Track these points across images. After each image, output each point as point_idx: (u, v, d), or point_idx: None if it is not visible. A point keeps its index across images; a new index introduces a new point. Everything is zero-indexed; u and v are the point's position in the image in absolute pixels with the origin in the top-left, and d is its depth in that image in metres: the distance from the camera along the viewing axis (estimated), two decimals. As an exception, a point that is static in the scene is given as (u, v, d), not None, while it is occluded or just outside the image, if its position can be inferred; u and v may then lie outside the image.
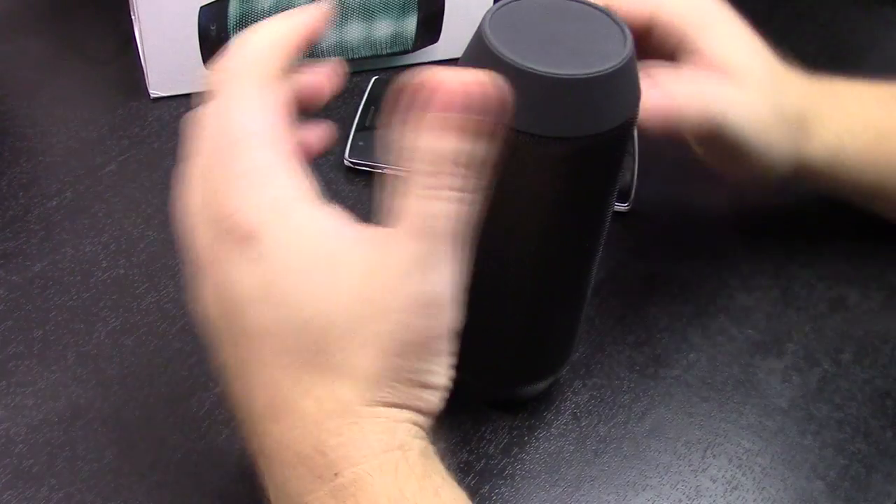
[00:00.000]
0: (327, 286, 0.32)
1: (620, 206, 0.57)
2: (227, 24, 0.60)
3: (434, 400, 0.33)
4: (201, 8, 0.59)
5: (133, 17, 0.61)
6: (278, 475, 0.33)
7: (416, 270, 0.31)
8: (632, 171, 0.58)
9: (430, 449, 0.33)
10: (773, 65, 0.50)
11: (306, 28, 0.36)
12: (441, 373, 0.33)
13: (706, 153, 0.51)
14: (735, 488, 0.45)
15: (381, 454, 0.31)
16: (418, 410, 0.33)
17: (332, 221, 0.32)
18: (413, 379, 0.32)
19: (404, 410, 0.32)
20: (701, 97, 0.46)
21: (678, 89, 0.46)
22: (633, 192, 0.57)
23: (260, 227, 0.32)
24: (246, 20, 0.60)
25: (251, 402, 0.33)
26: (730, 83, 0.47)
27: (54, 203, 0.55)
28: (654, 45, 0.49)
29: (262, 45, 0.35)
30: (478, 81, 0.31)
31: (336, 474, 0.31)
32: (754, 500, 0.45)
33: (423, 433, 0.33)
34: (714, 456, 0.47)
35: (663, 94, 0.45)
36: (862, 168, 0.52)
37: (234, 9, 0.59)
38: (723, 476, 0.46)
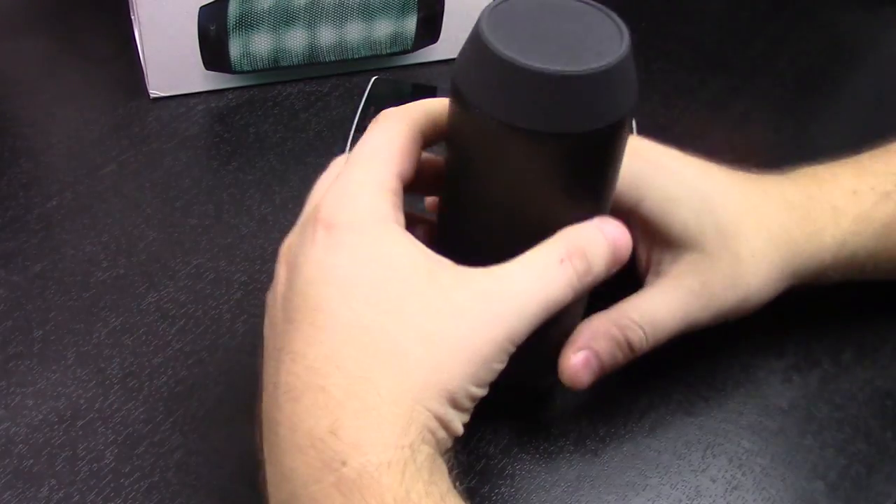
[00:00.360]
0: (406, 279, 0.34)
1: (620, 206, 0.57)
2: (226, 24, 0.60)
3: (459, 425, 0.34)
4: (201, 8, 0.59)
5: (133, 17, 0.61)
6: (287, 462, 0.33)
7: (517, 307, 0.34)
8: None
9: (440, 459, 0.33)
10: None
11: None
12: (476, 399, 0.34)
13: None
14: (735, 488, 0.45)
15: (391, 448, 0.32)
16: (443, 426, 0.34)
17: (408, 239, 0.35)
18: (449, 387, 0.33)
19: (429, 415, 0.33)
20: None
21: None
22: (633, 192, 0.57)
23: (348, 221, 0.35)
24: (246, 20, 0.60)
25: (277, 376, 0.34)
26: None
27: (54, 203, 0.55)
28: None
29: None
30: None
31: (343, 463, 0.31)
32: (754, 500, 0.45)
33: (434, 442, 0.33)
34: (714, 456, 0.47)
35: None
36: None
37: (233, 9, 0.59)
38: (723, 476, 0.46)
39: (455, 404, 0.33)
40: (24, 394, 0.46)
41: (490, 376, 0.34)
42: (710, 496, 0.45)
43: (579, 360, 0.42)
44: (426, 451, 0.33)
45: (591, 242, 0.37)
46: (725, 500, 0.45)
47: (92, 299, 0.50)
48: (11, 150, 0.58)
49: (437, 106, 0.39)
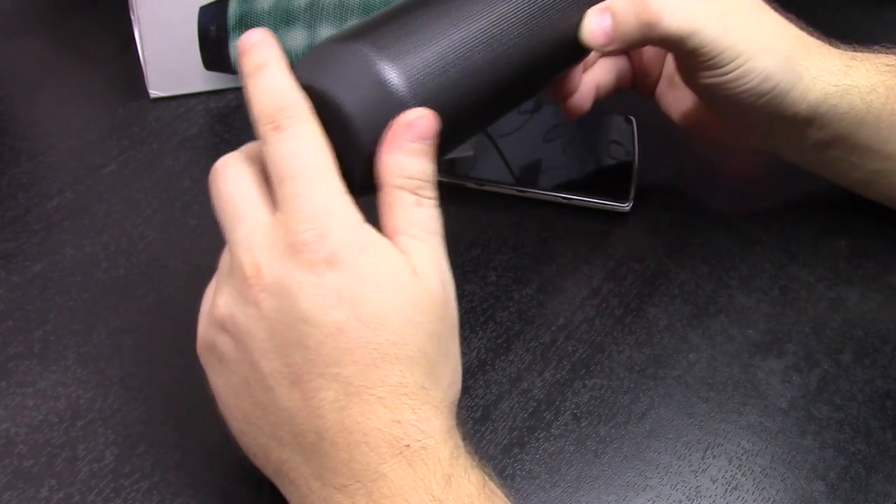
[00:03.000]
0: (402, 284, 0.37)
1: (620, 206, 0.57)
2: (226, 24, 0.60)
3: (457, 397, 0.40)
4: (201, 8, 0.59)
5: (133, 18, 0.61)
6: (336, 459, 0.36)
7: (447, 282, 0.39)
8: (632, 171, 0.58)
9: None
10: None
11: None
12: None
13: (693, 84, 0.51)
14: (735, 489, 0.45)
15: (446, 434, 0.37)
16: (453, 403, 0.39)
17: (387, 244, 0.38)
18: (456, 366, 0.39)
19: (450, 401, 0.38)
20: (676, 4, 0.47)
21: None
22: (633, 192, 0.57)
23: (340, 243, 0.37)
24: (246, 20, 0.60)
25: (310, 400, 0.36)
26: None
27: (54, 203, 0.55)
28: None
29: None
30: (427, 115, 0.39)
31: (407, 446, 0.36)
32: (754, 500, 0.45)
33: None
34: (714, 456, 0.47)
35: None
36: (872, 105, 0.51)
37: (234, 9, 0.59)
38: (723, 476, 0.46)
39: (457, 383, 0.39)
40: (24, 394, 0.46)
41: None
42: (710, 497, 0.45)
43: (595, 17, 0.47)
44: (460, 439, 0.38)
45: (409, 166, 0.39)
46: (725, 501, 0.45)
47: (92, 299, 0.50)
48: (11, 150, 0.58)
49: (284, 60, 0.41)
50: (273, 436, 0.38)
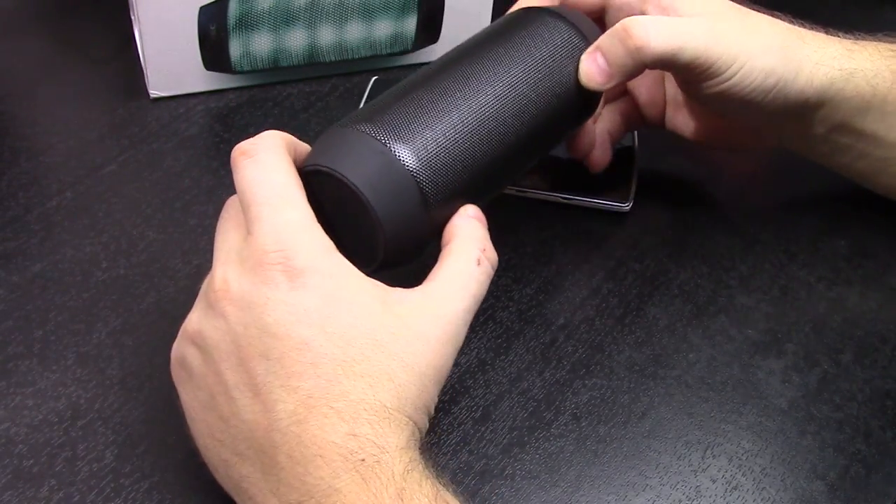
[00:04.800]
0: (372, 312, 0.38)
1: (620, 206, 0.57)
2: (226, 24, 0.60)
3: (426, 426, 0.40)
4: (201, 8, 0.59)
5: (133, 17, 0.61)
6: (291, 473, 0.36)
7: (463, 319, 0.40)
8: (632, 171, 0.58)
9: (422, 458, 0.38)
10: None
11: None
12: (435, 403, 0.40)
13: (696, 100, 0.52)
14: (735, 489, 0.45)
15: (402, 450, 0.36)
16: (421, 431, 0.39)
17: (357, 272, 0.39)
18: (427, 404, 0.39)
19: (413, 424, 0.38)
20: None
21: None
22: (633, 191, 0.57)
23: (307, 264, 0.38)
24: (246, 20, 0.60)
25: (270, 413, 0.37)
26: (685, 18, 0.48)
27: (54, 203, 0.55)
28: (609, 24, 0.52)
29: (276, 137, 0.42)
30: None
31: (363, 460, 0.36)
32: (754, 500, 0.45)
33: (418, 446, 0.38)
34: (714, 456, 0.47)
35: (671, 23, 0.48)
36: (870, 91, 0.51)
37: (234, 9, 0.59)
38: (723, 476, 0.46)
39: (428, 413, 0.39)
40: (24, 394, 0.46)
41: (444, 381, 0.40)
42: (710, 497, 0.45)
43: (588, 59, 0.48)
44: (416, 453, 0.38)
45: (481, 233, 0.43)
46: (725, 501, 0.45)
47: (92, 299, 0.50)
48: (11, 150, 0.58)
49: (287, 138, 0.42)
50: (234, 450, 0.38)
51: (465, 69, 0.46)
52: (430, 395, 0.39)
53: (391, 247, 0.41)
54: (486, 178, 0.45)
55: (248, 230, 0.39)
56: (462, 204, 0.43)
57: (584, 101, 0.49)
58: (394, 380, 0.37)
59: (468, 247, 0.42)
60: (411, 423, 0.38)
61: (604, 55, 0.48)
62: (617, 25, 0.48)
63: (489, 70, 0.46)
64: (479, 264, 0.41)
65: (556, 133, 0.50)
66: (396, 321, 0.38)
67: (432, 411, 0.40)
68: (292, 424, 0.36)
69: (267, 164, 0.40)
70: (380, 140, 0.41)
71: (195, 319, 0.39)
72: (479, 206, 0.44)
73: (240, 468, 0.38)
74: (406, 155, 0.41)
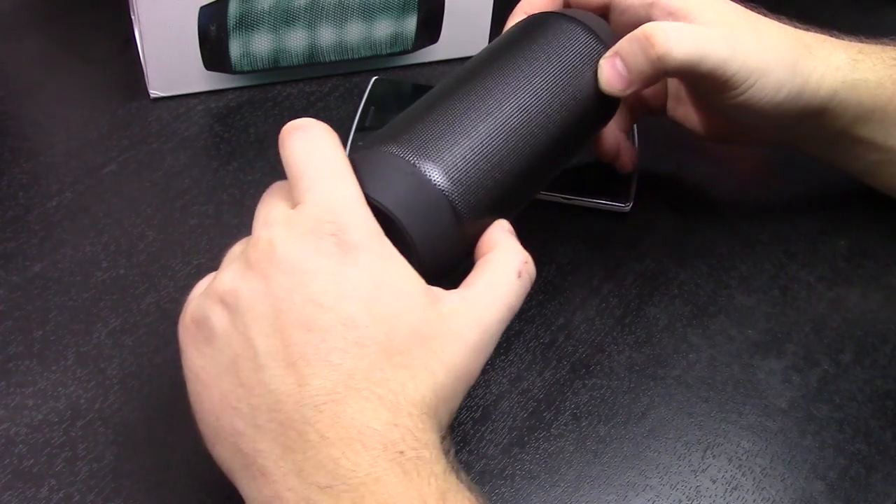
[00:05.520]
0: (418, 304, 0.37)
1: (620, 206, 0.57)
2: (226, 24, 0.60)
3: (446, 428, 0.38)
4: (201, 8, 0.59)
5: (133, 17, 0.61)
6: (323, 454, 0.34)
7: (497, 329, 0.39)
8: (632, 171, 0.58)
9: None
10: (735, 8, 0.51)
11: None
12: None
13: (704, 104, 0.53)
14: (735, 489, 0.45)
15: (438, 446, 0.36)
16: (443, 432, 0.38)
17: (404, 262, 0.38)
18: (454, 409, 0.38)
19: (442, 425, 0.37)
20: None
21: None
22: (633, 192, 0.57)
23: (361, 240, 0.37)
24: (246, 20, 0.60)
25: (303, 386, 0.35)
26: (698, 25, 0.48)
27: (54, 203, 0.55)
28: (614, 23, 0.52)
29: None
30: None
31: (401, 452, 0.34)
32: (754, 500, 0.45)
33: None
34: (714, 456, 0.47)
35: (694, 30, 0.47)
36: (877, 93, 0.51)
37: (234, 9, 0.59)
38: (723, 476, 0.46)
39: (451, 418, 0.38)
40: (24, 394, 0.46)
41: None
42: (710, 497, 0.45)
43: (608, 64, 0.48)
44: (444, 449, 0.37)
45: (518, 248, 0.42)
46: (725, 501, 0.45)
47: (92, 299, 0.50)
48: (11, 150, 0.58)
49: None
50: (252, 421, 0.36)
51: (486, 81, 0.45)
52: (459, 400, 0.38)
53: (426, 267, 0.40)
54: (515, 190, 0.44)
55: (296, 202, 0.38)
56: (494, 218, 0.43)
57: (604, 105, 0.49)
58: (434, 377, 0.36)
59: (511, 258, 0.41)
60: (442, 423, 0.37)
61: (623, 61, 0.47)
62: (637, 31, 0.47)
63: (512, 81, 0.45)
64: (519, 276, 0.40)
65: (580, 139, 0.49)
66: (439, 319, 0.37)
67: (456, 410, 0.39)
68: (329, 402, 0.34)
69: (320, 139, 0.39)
70: (408, 161, 0.41)
71: (228, 279, 0.37)
72: (508, 219, 0.44)
73: (254, 443, 0.35)
74: (436, 174, 0.41)
